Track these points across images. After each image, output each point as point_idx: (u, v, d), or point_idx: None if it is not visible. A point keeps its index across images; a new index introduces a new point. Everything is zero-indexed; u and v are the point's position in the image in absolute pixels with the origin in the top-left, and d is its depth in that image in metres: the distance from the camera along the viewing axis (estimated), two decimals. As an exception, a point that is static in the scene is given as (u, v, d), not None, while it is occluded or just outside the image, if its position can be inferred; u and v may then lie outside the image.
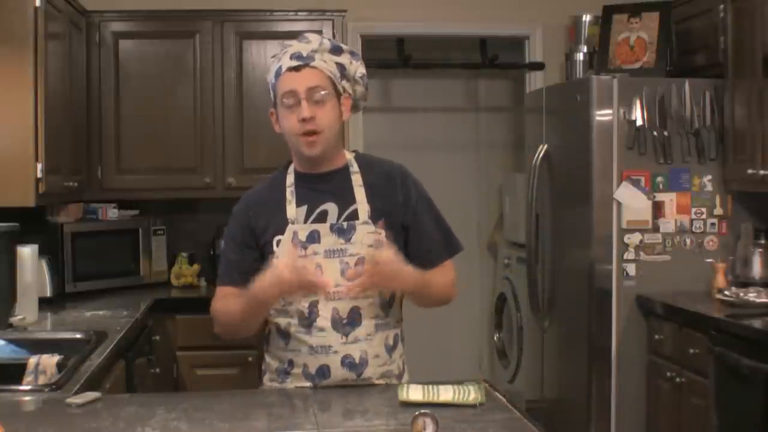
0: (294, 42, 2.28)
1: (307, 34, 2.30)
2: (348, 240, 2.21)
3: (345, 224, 2.22)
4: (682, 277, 3.96)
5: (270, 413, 2.04)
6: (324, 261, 2.20)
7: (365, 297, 2.21)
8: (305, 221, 2.23)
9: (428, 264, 2.30)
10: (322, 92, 2.20)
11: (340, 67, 2.27)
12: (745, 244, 3.91)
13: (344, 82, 2.28)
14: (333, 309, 2.20)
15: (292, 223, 2.23)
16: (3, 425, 1.78)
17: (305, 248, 2.21)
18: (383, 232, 2.23)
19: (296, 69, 2.21)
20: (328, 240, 2.21)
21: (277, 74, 2.24)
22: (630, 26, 4.28)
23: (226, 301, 2.26)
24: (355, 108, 2.36)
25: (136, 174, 4.38)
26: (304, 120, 2.18)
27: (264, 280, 2.11)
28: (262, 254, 2.26)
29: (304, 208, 2.25)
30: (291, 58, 2.22)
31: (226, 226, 2.37)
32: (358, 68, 2.31)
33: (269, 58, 2.35)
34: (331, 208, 2.24)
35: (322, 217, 2.24)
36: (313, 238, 2.21)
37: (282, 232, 2.22)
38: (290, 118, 2.21)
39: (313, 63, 2.21)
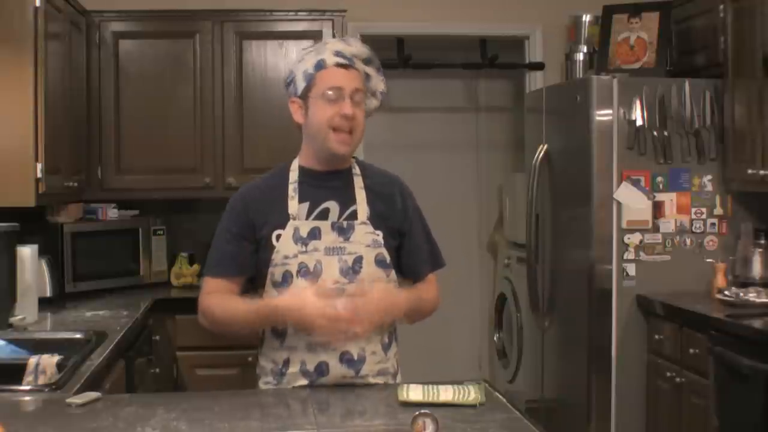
0: (332, 40, 2.36)
1: (347, 37, 2.42)
2: (347, 239, 2.24)
3: (345, 223, 2.25)
4: (682, 277, 3.96)
5: (269, 413, 2.04)
6: (324, 258, 2.23)
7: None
8: (307, 218, 2.26)
9: (415, 274, 2.37)
10: (361, 96, 2.27)
11: (367, 77, 2.32)
12: (745, 244, 3.91)
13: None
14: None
15: (294, 218, 2.25)
16: (3, 425, 1.78)
17: (306, 244, 2.23)
18: (380, 233, 2.27)
19: (344, 67, 2.25)
20: (329, 237, 2.24)
21: (319, 66, 2.25)
22: (630, 26, 4.28)
23: (225, 300, 2.26)
24: None
25: (136, 174, 4.38)
26: (345, 116, 2.22)
27: (290, 306, 2.14)
28: (257, 248, 2.27)
29: (306, 204, 2.27)
30: (336, 55, 2.26)
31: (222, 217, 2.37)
32: (379, 84, 2.36)
33: (303, 49, 2.39)
34: (333, 206, 2.27)
35: (323, 215, 2.26)
36: (314, 234, 2.23)
37: (282, 227, 2.24)
38: (328, 110, 2.23)
39: (356, 66, 2.27)
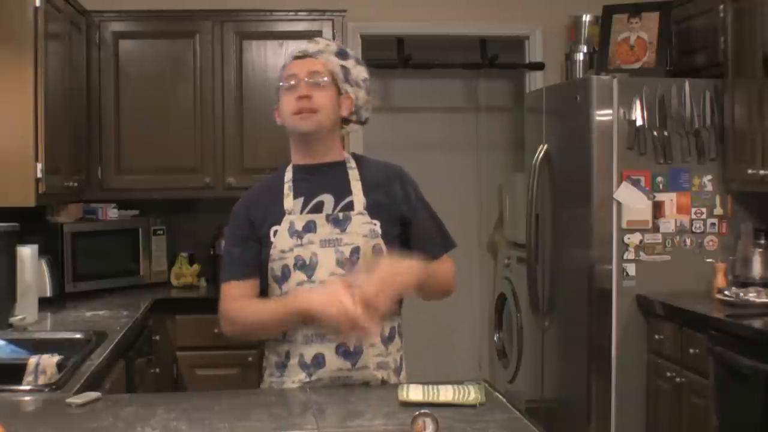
0: (304, 43, 2.40)
1: (317, 38, 2.43)
2: (343, 230, 2.25)
3: (340, 215, 2.27)
4: (682, 277, 3.96)
5: (270, 413, 2.04)
6: (320, 250, 2.24)
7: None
8: (302, 212, 2.28)
9: (428, 259, 2.32)
10: (323, 78, 2.29)
11: (344, 70, 2.35)
12: (745, 244, 3.91)
13: (347, 85, 2.35)
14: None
15: (289, 213, 2.27)
16: (3, 425, 1.78)
17: (301, 237, 2.25)
18: (378, 223, 2.27)
19: (300, 57, 2.32)
20: (324, 230, 2.25)
21: (283, 67, 2.34)
22: (630, 26, 4.28)
23: (246, 305, 2.27)
24: (357, 116, 2.40)
25: (136, 174, 4.38)
26: (300, 98, 2.26)
27: (325, 308, 2.09)
28: (260, 247, 2.29)
29: (301, 199, 2.29)
30: (298, 51, 2.35)
31: (227, 226, 2.41)
32: (360, 72, 2.38)
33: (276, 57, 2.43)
34: (327, 199, 2.29)
35: (318, 208, 2.28)
36: (309, 228, 2.26)
37: (279, 223, 2.27)
38: (288, 99, 2.29)
39: (318, 56, 2.32)
